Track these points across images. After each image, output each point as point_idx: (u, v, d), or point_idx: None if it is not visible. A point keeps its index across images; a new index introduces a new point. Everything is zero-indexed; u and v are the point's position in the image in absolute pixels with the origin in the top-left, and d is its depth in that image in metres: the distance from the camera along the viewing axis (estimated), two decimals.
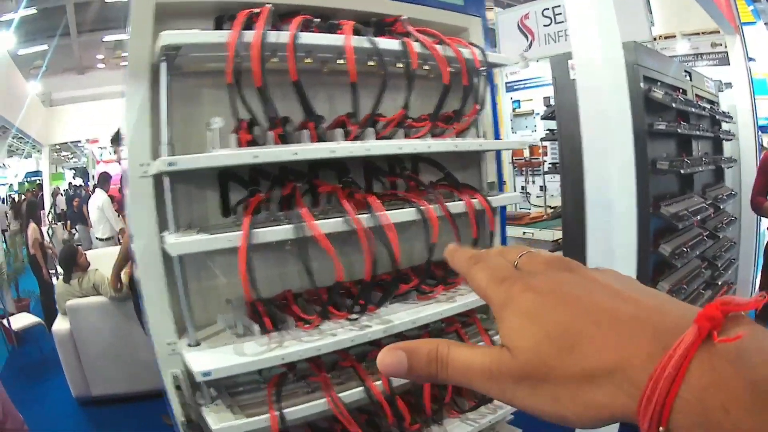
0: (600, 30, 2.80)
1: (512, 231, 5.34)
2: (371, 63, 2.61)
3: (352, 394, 2.40)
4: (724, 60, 6.61)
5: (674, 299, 0.38)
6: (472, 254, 0.48)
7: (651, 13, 6.94)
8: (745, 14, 9.33)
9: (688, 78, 5.03)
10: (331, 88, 2.85)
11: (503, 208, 3.35)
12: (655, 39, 6.53)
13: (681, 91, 4.70)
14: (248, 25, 2.21)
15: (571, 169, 4.67)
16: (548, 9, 6.51)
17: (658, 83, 4.25)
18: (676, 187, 4.77)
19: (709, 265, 4.87)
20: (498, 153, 3.54)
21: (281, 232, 2.23)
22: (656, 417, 0.32)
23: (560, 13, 6.42)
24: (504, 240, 3.47)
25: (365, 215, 2.39)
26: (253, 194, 2.49)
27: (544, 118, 4.91)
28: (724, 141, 5.76)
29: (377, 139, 2.60)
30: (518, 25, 6.71)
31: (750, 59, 9.49)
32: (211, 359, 2.15)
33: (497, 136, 3.55)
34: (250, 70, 2.19)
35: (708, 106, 4.99)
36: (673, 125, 4.08)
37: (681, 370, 0.31)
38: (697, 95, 5.14)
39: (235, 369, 2.12)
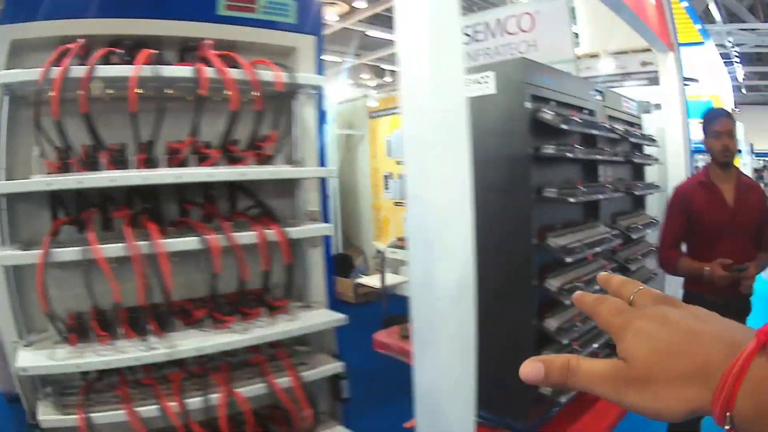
0: (430, 36, 2.39)
1: None
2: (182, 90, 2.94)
3: (149, 410, 2.69)
4: (655, 80, 6.28)
5: (745, 326, 0.50)
6: (597, 297, 0.62)
7: (576, 35, 6.66)
8: (690, 34, 9.08)
9: (598, 98, 4.65)
10: (146, 115, 2.95)
11: (328, 238, 3.13)
12: (579, 57, 6.20)
13: (587, 112, 4.31)
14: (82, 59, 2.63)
15: None
16: (469, 27, 6.20)
17: (552, 103, 3.86)
18: (578, 216, 4.37)
19: None
20: (323, 181, 3.20)
21: (71, 253, 2.58)
22: (725, 404, 0.45)
23: (480, 31, 6.12)
24: (329, 277, 3.23)
25: (144, 242, 2.65)
26: (55, 218, 2.85)
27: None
28: (645, 166, 5.38)
29: (171, 166, 2.86)
30: None
31: (692, 80, 9.23)
32: (31, 359, 2.58)
33: (323, 164, 3.20)
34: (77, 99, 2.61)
35: (622, 128, 4.60)
36: (564, 149, 3.67)
37: (744, 369, 0.44)
38: (609, 116, 4.76)
39: (42, 369, 2.54)
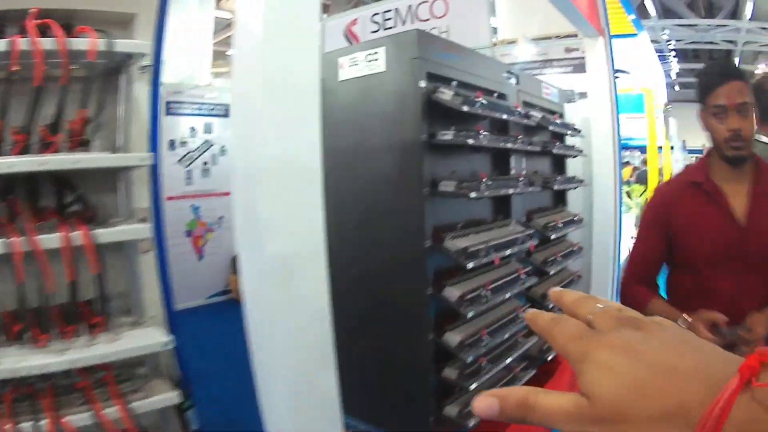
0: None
1: None
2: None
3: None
4: (580, 67, 5.85)
5: (724, 352, 0.46)
6: (551, 317, 0.57)
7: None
8: (623, 25, 8.77)
9: (513, 81, 4.14)
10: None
11: (161, 241, 2.55)
12: (495, 44, 5.73)
13: (497, 96, 3.79)
14: None
15: (333, 191, 3.70)
16: (378, 14, 5.70)
17: (454, 83, 3.31)
18: (486, 214, 3.85)
19: (534, 305, 3.95)
20: (156, 174, 2.57)
21: None
22: None
23: (390, 18, 5.62)
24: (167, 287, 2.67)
25: None
26: None
27: None
28: (566, 158, 4.92)
29: None
30: (345, 31, 5.88)
31: (623, 72, 8.94)
32: None
33: (155, 151, 2.60)
34: None
35: (539, 115, 4.11)
36: (465, 135, 3.13)
37: (726, 410, 0.40)
38: (526, 103, 4.26)
39: None
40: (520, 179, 3.71)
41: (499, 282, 3.53)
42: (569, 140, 5.13)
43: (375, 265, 3.56)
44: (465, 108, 3.14)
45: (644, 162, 13.44)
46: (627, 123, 12.37)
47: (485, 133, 3.29)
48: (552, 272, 4.29)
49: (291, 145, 2.02)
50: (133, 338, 2.63)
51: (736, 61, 19.30)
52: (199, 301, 7.69)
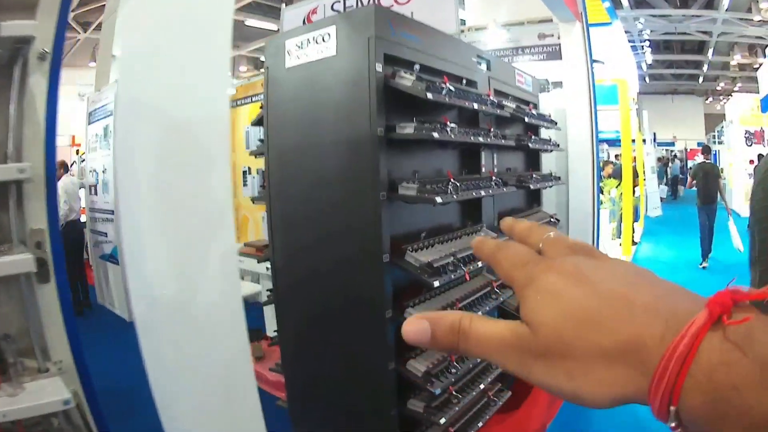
0: None
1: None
2: None
3: None
4: (554, 54, 5.43)
5: (687, 290, 0.39)
6: (496, 243, 0.49)
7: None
8: (597, 13, 8.39)
9: (483, 67, 3.68)
10: None
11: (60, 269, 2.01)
12: (462, 31, 5.25)
13: (466, 83, 3.33)
14: None
15: (279, 194, 3.22)
16: (338, 2, 5.24)
17: (417, 67, 2.84)
18: (454, 219, 3.40)
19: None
20: (52, 187, 2.06)
21: None
22: (667, 396, 0.34)
23: (351, 6, 5.16)
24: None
25: None
26: None
27: (254, 124, 3.42)
28: (541, 153, 4.49)
29: None
30: (304, 21, 5.43)
31: (597, 62, 8.58)
32: None
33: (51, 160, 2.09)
34: None
35: (513, 105, 3.66)
36: (429, 128, 2.66)
37: (692, 349, 0.33)
38: (498, 92, 3.80)
39: None
40: (493, 179, 3.26)
41: (471, 299, 3.07)
42: (543, 133, 4.71)
43: (328, 283, 3.08)
44: (429, 95, 2.67)
45: (616, 156, 13.18)
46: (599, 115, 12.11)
47: (453, 125, 2.82)
48: None
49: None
50: (33, 393, 2.10)
51: (710, 52, 19.19)
52: None
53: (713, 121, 24.61)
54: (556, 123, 4.46)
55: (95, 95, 7.56)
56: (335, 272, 2.97)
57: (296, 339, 3.39)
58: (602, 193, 10.49)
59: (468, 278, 2.95)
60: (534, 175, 3.91)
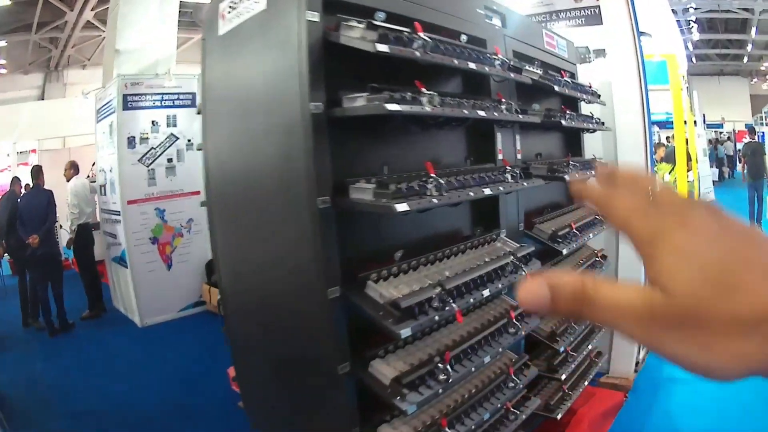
0: None
1: None
2: None
3: None
4: (593, 18, 4.13)
5: None
6: (608, 189, 0.39)
7: None
8: None
9: (495, 22, 2.51)
10: None
11: None
12: None
13: (465, 38, 2.17)
14: None
15: (217, 200, 2.17)
16: None
17: (381, 15, 1.73)
18: (457, 224, 2.26)
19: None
20: None
21: None
22: None
23: None
24: None
25: None
26: None
27: (199, 112, 2.31)
28: (582, 133, 3.26)
29: None
30: None
31: (643, 34, 7.14)
32: None
33: None
34: None
35: (537, 71, 2.46)
36: (391, 98, 1.53)
37: None
38: (519, 55, 2.62)
39: None
40: (508, 169, 2.08)
41: (464, 347, 1.92)
42: (585, 110, 3.46)
43: (269, 319, 2.02)
44: (382, 48, 1.54)
45: (667, 138, 11.50)
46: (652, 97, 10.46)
47: (430, 93, 1.67)
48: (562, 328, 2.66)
49: None
50: None
51: (753, 31, 17.01)
52: (169, 315, 6.27)
53: (759, 101, 22.33)
54: (599, 96, 3.21)
55: (101, 92, 6.76)
56: (277, 307, 1.92)
57: (247, 375, 2.35)
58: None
59: (460, 319, 1.78)
60: (572, 162, 2.69)
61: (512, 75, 2.16)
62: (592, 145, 3.87)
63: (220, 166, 2.21)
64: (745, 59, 20.66)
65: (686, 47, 15.24)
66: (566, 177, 2.48)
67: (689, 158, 9.62)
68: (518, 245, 2.25)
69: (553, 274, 0.37)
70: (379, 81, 1.68)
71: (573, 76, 3.33)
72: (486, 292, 1.93)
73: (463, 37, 2.13)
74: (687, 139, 10.34)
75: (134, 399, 4.10)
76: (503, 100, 2.11)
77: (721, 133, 21.97)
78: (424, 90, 1.68)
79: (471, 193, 1.77)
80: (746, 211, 9.32)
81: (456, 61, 1.79)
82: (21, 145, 12.09)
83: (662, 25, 8.13)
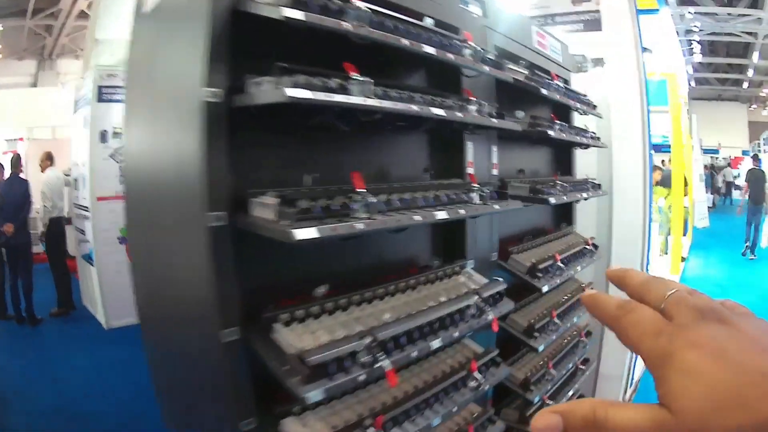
0: None
1: None
2: None
3: None
4: (593, 24, 3.71)
5: None
6: (618, 303, 0.41)
7: None
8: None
9: (474, 9, 2.07)
10: None
11: None
12: None
13: (432, 21, 1.71)
14: None
15: (131, 200, 1.72)
16: None
17: None
18: (412, 252, 1.80)
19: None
20: None
21: None
22: None
23: None
24: None
25: None
26: None
27: None
28: (575, 148, 2.82)
29: None
30: None
31: (645, 49, 6.78)
32: None
33: None
34: None
35: (522, 71, 2.02)
36: (305, 82, 1.06)
37: None
38: (502, 51, 2.18)
39: None
40: (476, 187, 1.63)
41: (407, 405, 1.46)
42: (577, 119, 3.01)
43: (172, 349, 1.56)
44: (292, 14, 1.09)
45: (662, 162, 11.08)
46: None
47: (363, 79, 1.21)
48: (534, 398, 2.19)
49: None
50: None
51: (756, 55, 16.66)
52: (135, 319, 5.79)
53: (757, 128, 21.99)
54: (594, 106, 2.76)
55: (79, 82, 6.33)
56: (176, 338, 1.47)
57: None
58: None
59: (393, 381, 1.31)
60: (560, 182, 2.23)
61: (487, 69, 1.71)
62: (586, 163, 3.43)
63: (133, 166, 1.76)
64: (745, 84, 20.34)
65: (686, 71, 14.89)
66: (551, 199, 2.01)
67: (686, 183, 9.18)
68: (486, 281, 1.79)
69: (566, 404, 0.38)
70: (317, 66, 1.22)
71: (567, 83, 2.88)
72: (436, 343, 1.47)
73: (428, 20, 1.67)
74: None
75: (88, 403, 3.94)
76: (473, 98, 1.65)
77: (717, 158, 21.66)
78: (355, 75, 1.22)
79: (417, 217, 1.31)
80: (742, 237, 9.91)
81: (406, 42, 1.34)
82: (9, 133, 11.67)
83: (664, 42, 7.70)
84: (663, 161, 10.55)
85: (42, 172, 6.39)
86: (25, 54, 14.26)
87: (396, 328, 1.35)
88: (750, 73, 18.62)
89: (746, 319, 0.38)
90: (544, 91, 2.03)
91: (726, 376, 0.34)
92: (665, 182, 8.70)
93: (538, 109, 2.63)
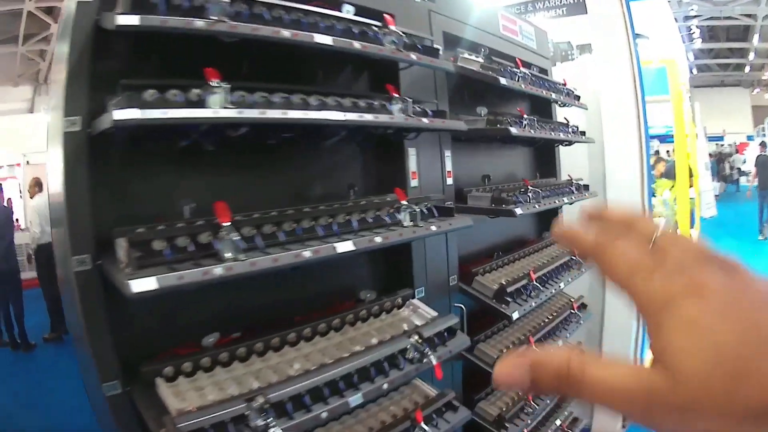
0: None
1: None
2: None
3: None
4: (576, 8, 3.34)
5: None
6: (596, 234, 0.34)
7: None
8: None
9: None
10: None
11: None
12: None
13: (352, 11, 1.36)
14: None
15: None
16: None
17: None
18: (352, 284, 1.45)
19: None
20: None
21: None
22: None
23: None
24: None
25: None
26: None
27: None
28: (558, 146, 2.47)
29: None
30: None
31: (640, 36, 6.37)
32: None
33: None
34: None
35: (477, 59, 1.67)
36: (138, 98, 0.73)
37: None
38: (450, 35, 1.83)
39: None
40: (403, 205, 1.29)
41: None
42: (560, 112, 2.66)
43: None
44: (125, 20, 0.80)
45: (667, 152, 10.60)
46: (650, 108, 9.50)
47: (224, 86, 0.90)
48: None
49: None
50: None
51: (756, 38, 16.11)
52: None
53: (761, 112, 21.36)
54: (578, 97, 2.41)
55: None
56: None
57: None
58: (654, 196, 8.05)
59: None
60: (532, 188, 1.87)
61: (414, 57, 1.36)
62: (576, 161, 3.08)
63: None
64: (747, 69, 19.83)
65: (686, 58, 14.43)
66: (516, 210, 1.66)
67: (691, 174, 8.71)
68: (434, 315, 1.45)
69: (537, 352, 0.32)
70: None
71: (544, 72, 2.53)
72: (355, 398, 1.14)
73: (348, 8, 1.33)
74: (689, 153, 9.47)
75: (85, 427, 3.65)
76: (397, 96, 1.31)
77: (722, 145, 21.11)
78: (216, 83, 0.89)
79: (307, 253, 0.98)
80: (754, 222, 10.02)
81: (287, 33, 1.01)
82: (7, 159, 11.53)
83: (661, 27, 7.26)
84: (668, 152, 10.11)
85: (31, 198, 6.26)
86: (20, 80, 14.16)
87: (298, 386, 1.03)
88: (751, 56, 18.13)
89: (751, 273, 0.30)
90: (503, 81, 1.67)
91: (738, 337, 0.27)
92: (669, 174, 8.26)
93: (512, 105, 2.29)
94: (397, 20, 1.55)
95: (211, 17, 0.94)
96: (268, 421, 0.99)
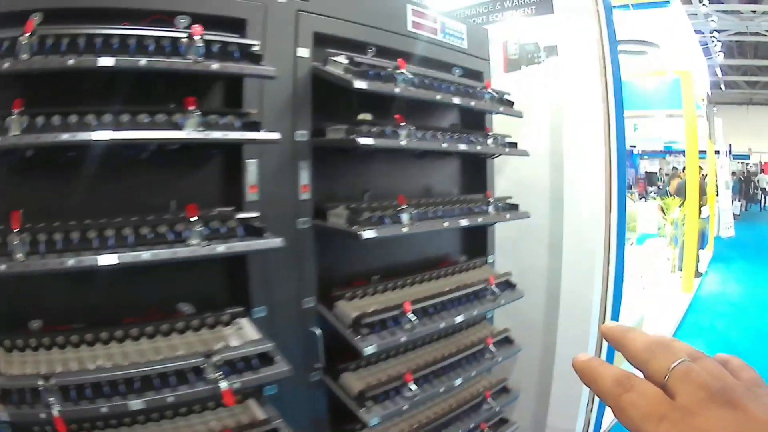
0: None
1: None
2: None
3: None
4: (544, 6, 3.01)
5: None
6: (616, 378, 0.36)
7: None
8: None
9: None
10: None
11: None
12: None
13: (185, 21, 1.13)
14: None
15: None
16: None
17: None
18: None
19: None
20: None
21: None
22: None
23: None
24: None
25: None
26: None
27: None
28: (484, 158, 2.19)
29: None
30: None
31: (649, 44, 5.99)
32: None
33: None
34: None
35: (344, 62, 1.41)
36: None
37: None
38: (321, 35, 1.57)
39: None
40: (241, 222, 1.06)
41: None
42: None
43: None
44: None
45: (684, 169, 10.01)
46: (666, 122, 8.95)
47: None
48: None
49: None
50: None
51: None
52: None
53: None
54: (507, 102, 2.12)
55: None
56: None
57: None
58: (664, 214, 7.54)
59: None
60: (411, 206, 1.60)
61: (215, 66, 1.15)
62: (537, 174, 2.79)
63: None
64: None
65: (713, 74, 13.74)
66: (363, 233, 1.39)
67: (704, 193, 8.11)
68: (254, 338, 1.21)
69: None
70: None
71: (478, 76, 2.24)
72: (136, 403, 0.98)
73: (184, 20, 1.11)
74: (704, 172, 8.90)
75: None
76: (191, 108, 1.09)
77: (747, 164, 20.18)
78: None
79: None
80: None
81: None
82: None
83: (677, 37, 6.71)
84: (684, 169, 9.52)
85: None
86: None
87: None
88: None
89: (756, 397, 0.32)
90: (357, 84, 1.40)
91: None
92: (680, 192, 7.72)
93: (439, 117, 2.03)
94: (252, 25, 1.34)
95: None
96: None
